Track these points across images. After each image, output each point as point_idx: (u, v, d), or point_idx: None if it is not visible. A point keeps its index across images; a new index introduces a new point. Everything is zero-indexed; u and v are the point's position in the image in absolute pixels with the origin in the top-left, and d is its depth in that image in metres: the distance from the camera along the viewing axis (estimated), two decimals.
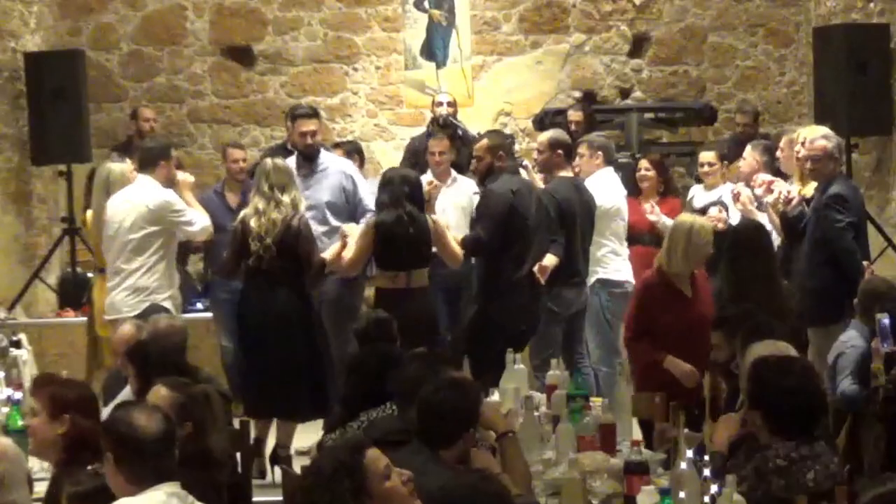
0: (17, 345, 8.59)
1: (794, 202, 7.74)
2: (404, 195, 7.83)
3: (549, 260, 8.06)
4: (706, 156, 9.49)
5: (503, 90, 12.23)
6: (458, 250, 8.04)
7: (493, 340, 7.73)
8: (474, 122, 11.39)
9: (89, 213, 8.79)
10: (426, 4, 12.12)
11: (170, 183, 8.13)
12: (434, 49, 12.13)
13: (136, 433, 4.02)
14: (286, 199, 7.84)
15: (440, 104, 10.59)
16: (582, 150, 8.91)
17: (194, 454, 4.64)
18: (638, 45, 12.33)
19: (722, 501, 4.27)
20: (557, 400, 5.81)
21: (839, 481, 4.63)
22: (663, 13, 12.31)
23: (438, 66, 12.12)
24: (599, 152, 8.87)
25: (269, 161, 8.08)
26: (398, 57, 12.19)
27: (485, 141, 8.51)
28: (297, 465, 5.46)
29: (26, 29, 11.21)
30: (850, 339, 6.62)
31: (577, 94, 12.17)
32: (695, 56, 12.35)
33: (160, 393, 4.84)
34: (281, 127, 11.51)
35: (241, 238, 7.85)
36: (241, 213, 7.95)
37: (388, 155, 11.99)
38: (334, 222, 8.61)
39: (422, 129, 11.29)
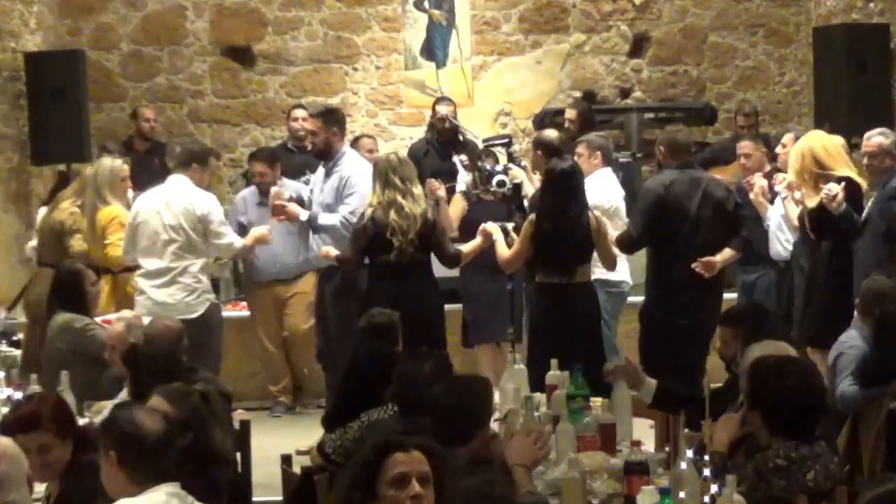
0: (18, 345, 8.59)
1: (837, 199, 7.73)
2: (568, 198, 7.66)
3: (723, 254, 7.91)
4: None
5: (503, 90, 12.23)
6: (614, 252, 7.88)
7: (659, 338, 7.70)
8: (474, 121, 11.41)
9: (64, 208, 8.73)
10: (426, 4, 12.12)
11: (201, 188, 8.13)
12: (434, 49, 12.13)
13: (139, 432, 4.02)
14: (417, 191, 7.78)
15: (443, 119, 10.48)
16: (580, 149, 8.90)
17: (195, 455, 4.63)
18: (638, 45, 12.34)
19: (722, 501, 4.26)
20: (557, 400, 5.80)
21: (839, 481, 4.63)
22: (663, 13, 12.32)
23: (438, 66, 12.12)
24: (598, 152, 8.85)
25: (392, 155, 8.02)
26: (398, 57, 12.20)
27: (660, 137, 8.49)
28: (297, 466, 5.44)
29: (26, 29, 11.22)
30: (850, 339, 6.61)
31: (577, 94, 12.18)
32: (695, 56, 12.36)
33: (155, 405, 4.79)
34: (281, 127, 11.53)
35: (371, 234, 7.75)
36: (368, 209, 7.81)
37: None
38: None
39: (422, 129, 11.31)
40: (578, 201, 7.73)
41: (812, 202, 7.88)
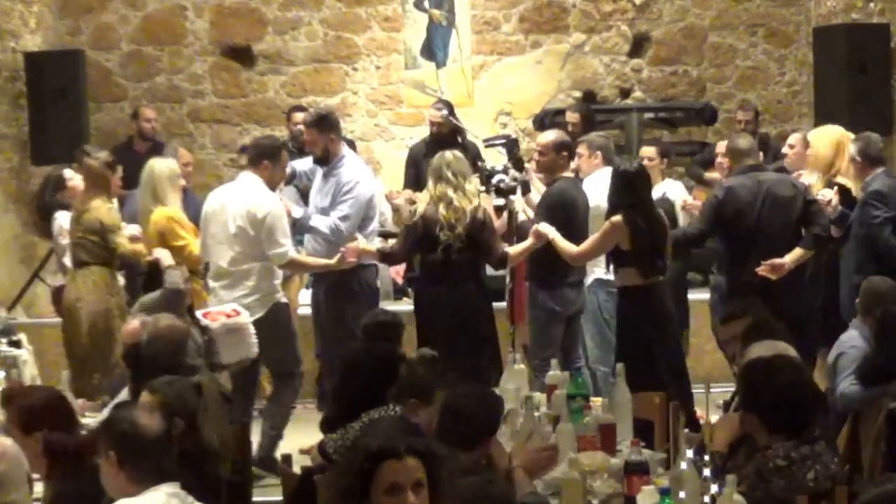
0: (18, 345, 8.57)
1: (832, 203, 7.76)
2: (647, 196, 7.63)
3: (792, 255, 7.79)
4: (646, 151, 9.58)
5: (503, 90, 12.24)
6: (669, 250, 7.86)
7: None
8: (474, 122, 11.41)
9: (97, 206, 8.59)
10: (426, 4, 12.12)
11: (271, 186, 7.92)
12: (434, 49, 12.14)
13: (139, 432, 4.03)
14: (470, 187, 7.72)
15: (432, 123, 10.58)
16: (581, 149, 8.91)
17: (190, 450, 4.64)
18: (638, 45, 12.34)
19: (722, 501, 4.27)
20: (557, 400, 5.80)
21: (839, 481, 4.63)
22: (663, 13, 12.32)
23: (438, 66, 12.13)
24: (598, 152, 8.86)
25: (447, 152, 7.92)
26: (398, 57, 12.20)
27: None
28: (297, 466, 5.44)
29: (26, 29, 11.22)
30: (851, 339, 6.62)
31: (577, 94, 12.18)
32: (695, 56, 12.36)
33: (144, 399, 4.82)
34: (281, 127, 11.53)
35: (422, 230, 7.65)
36: (420, 206, 7.73)
37: (389, 155, 12.01)
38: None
39: (421, 128, 11.31)
40: (651, 199, 7.77)
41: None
